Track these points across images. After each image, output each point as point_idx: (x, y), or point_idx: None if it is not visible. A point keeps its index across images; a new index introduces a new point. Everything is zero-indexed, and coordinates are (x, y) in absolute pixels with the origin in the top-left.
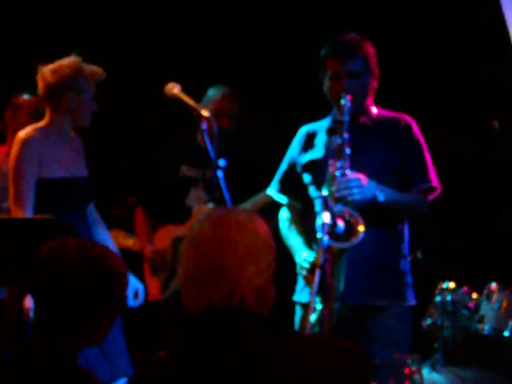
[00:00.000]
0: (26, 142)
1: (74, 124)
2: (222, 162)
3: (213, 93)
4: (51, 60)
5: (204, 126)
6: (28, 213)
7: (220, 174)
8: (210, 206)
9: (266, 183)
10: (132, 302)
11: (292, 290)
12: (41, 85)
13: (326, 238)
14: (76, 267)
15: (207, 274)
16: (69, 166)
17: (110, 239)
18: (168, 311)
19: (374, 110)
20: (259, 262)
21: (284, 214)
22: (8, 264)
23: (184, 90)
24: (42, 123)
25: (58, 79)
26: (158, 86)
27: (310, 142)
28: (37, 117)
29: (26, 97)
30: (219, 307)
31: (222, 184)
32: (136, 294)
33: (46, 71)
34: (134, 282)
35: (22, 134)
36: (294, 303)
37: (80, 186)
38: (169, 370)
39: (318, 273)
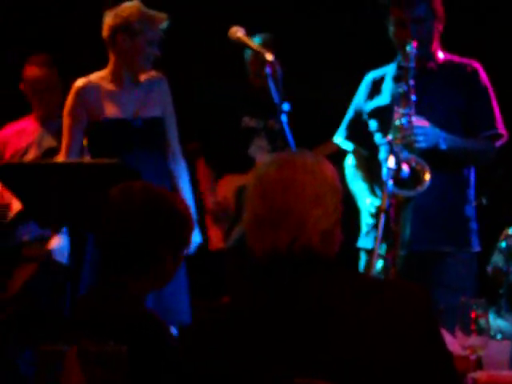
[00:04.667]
0: (77, 90)
1: (129, 69)
2: (285, 107)
3: (256, 42)
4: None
5: (268, 70)
6: (70, 156)
7: (284, 118)
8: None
9: (332, 130)
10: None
11: (356, 237)
12: (103, 29)
13: (390, 183)
14: (142, 210)
15: (273, 216)
16: (130, 108)
17: (186, 185)
18: (230, 260)
19: (441, 54)
20: (326, 205)
21: (350, 161)
22: (70, 208)
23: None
24: (104, 70)
25: (114, 21)
26: (220, 30)
27: (375, 88)
28: (48, 90)
29: (29, 68)
30: (285, 249)
31: (286, 128)
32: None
33: (108, 15)
34: (196, 237)
35: (78, 81)
36: (358, 250)
37: (145, 126)
38: (232, 315)
39: (382, 218)
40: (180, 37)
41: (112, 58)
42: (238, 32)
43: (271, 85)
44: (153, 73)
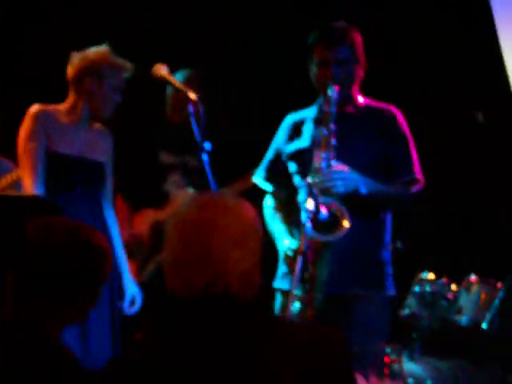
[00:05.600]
0: (35, 114)
1: (92, 112)
2: (207, 145)
3: (179, 76)
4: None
5: (191, 108)
6: (38, 187)
7: (205, 157)
8: (190, 190)
9: (251, 169)
10: (127, 310)
11: (273, 277)
12: (68, 69)
13: (308, 225)
14: (61, 244)
15: (192, 258)
16: (79, 146)
17: (120, 244)
18: (144, 294)
19: (361, 99)
20: (246, 247)
21: (269, 202)
22: None
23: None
24: (60, 105)
25: (82, 63)
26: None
27: (296, 130)
28: None
29: None
30: (203, 292)
31: (207, 167)
32: (133, 302)
33: (75, 56)
34: (132, 289)
35: (35, 106)
36: (273, 290)
37: (89, 167)
38: (146, 354)
39: (300, 260)
40: None
41: (73, 97)
42: (161, 69)
43: (193, 123)
44: (100, 125)
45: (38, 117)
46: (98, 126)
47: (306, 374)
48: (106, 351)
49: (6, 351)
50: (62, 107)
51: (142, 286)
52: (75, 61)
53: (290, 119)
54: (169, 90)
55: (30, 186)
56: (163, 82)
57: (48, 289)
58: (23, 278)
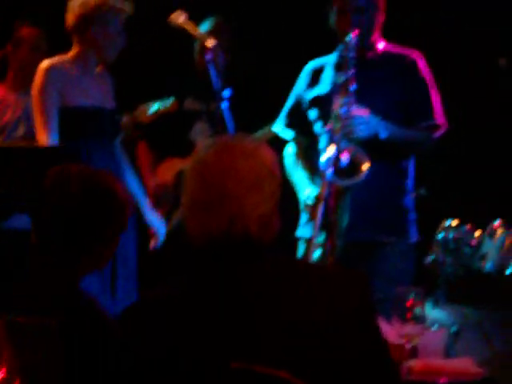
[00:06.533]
0: (48, 70)
1: (98, 58)
2: (226, 93)
3: (205, 26)
4: None
5: (209, 56)
6: (53, 139)
7: (225, 104)
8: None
9: (273, 117)
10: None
11: (296, 226)
12: (69, 17)
13: (329, 172)
14: (79, 192)
15: (210, 201)
16: (94, 95)
17: (133, 178)
18: (171, 243)
19: (381, 44)
20: (263, 190)
21: (290, 150)
22: (16, 192)
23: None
24: (67, 55)
25: (84, 11)
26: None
27: (316, 77)
28: (38, 51)
29: (26, 30)
30: (222, 235)
31: (227, 115)
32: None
33: (74, 4)
34: (154, 223)
35: (45, 62)
36: (297, 239)
37: (106, 116)
38: (168, 297)
39: (321, 207)
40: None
41: (78, 46)
42: (179, 17)
43: (212, 71)
44: (101, 68)
45: (48, 73)
46: (99, 69)
47: (328, 317)
48: (132, 295)
49: (27, 298)
50: (70, 57)
51: (170, 234)
52: (74, 9)
53: (310, 66)
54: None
55: (44, 140)
56: (181, 31)
57: (66, 236)
58: (42, 225)
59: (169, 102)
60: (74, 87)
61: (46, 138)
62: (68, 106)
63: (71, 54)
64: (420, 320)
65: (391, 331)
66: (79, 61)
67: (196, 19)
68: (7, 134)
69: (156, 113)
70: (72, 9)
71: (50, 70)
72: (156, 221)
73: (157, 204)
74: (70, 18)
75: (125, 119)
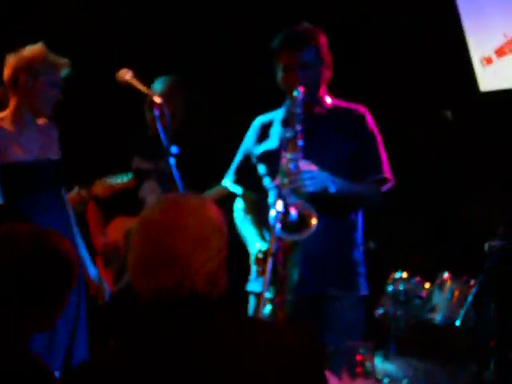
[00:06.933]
0: None
1: (31, 110)
2: (174, 149)
3: (159, 85)
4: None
5: (156, 112)
6: None
7: (172, 161)
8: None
9: (220, 173)
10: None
11: (246, 281)
12: (5, 71)
13: (278, 227)
14: (25, 254)
15: (157, 259)
16: (33, 149)
17: (75, 228)
18: (121, 303)
19: (328, 100)
20: (210, 247)
21: (239, 205)
22: None
23: (136, 76)
24: (4, 112)
25: (17, 62)
26: (108, 72)
27: (264, 132)
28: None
29: None
30: (169, 293)
31: (175, 172)
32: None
33: (10, 56)
34: (94, 275)
35: None
36: (247, 293)
37: (48, 168)
38: (114, 357)
39: (270, 261)
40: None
41: (13, 100)
42: (126, 74)
43: (159, 127)
44: (45, 119)
45: None
46: (41, 121)
47: (277, 371)
48: (77, 354)
49: None
50: (6, 114)
51: (119, 294)
52: (10, 61)
53: (258, 121)
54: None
55: None
56: (128, 87)
57: (14, 298)
58: None
59: (127, 177)
60: (12, 143)
61: None
62: (7, 163)
63: (8, 109)
64: (370, 375)
65: None
66: (15, 116)
67: (142, 76)
68: None
69: (113, 188)
70: (8, 62)
71: None
72: (97, 276)
73: (106, 263)
74: (6, 71)
75: (82, 192)
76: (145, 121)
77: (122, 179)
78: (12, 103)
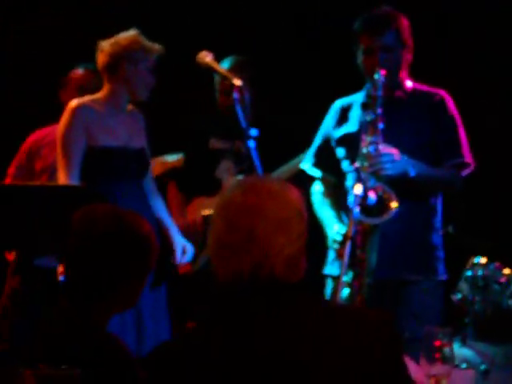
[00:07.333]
0: (74, 110)
1: (130, 96)
2: (253, 132)
3: (225, 65)
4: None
5: (236, 95)
6: (73, 179)
7: (252, 144)
8: (240, 177)
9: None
10: (181, 259)
11: (323, 263)
12: (99, 57)
13: (356, 210)
14: (106, 233)
15: (237, 243)
16: (122, 135)
17: (165, 212)
18: (198, 283)
19: (409, 83)
20: (290, 231)
21: (317, 188)
22: (38, 231)
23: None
24: (98, 94)
25: (116, 49)
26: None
27: (344, 116)
28: (84, 91)
29: (76, 71)
30: (248, 275)
31: (254, 154)
32: (184, 251)
33: (105, 43)
34: (180, 240)
35: (74, 101)
36: (324, 276)
37: (133, 156)
38: (193, 342)
39: (348, 245)
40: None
41: (110, 85)
42: (206, 57)
43: (238, 110)
44: (132, 107)
45: (76, 112)
46: (130, 108)
47: (356, 358)
48: (161, 336)
49: (54, 337)
50: (101, 96)
51: (197, 274)
52: (106, 48)
53: (338, 104)
54: (217, 78)
55: (63, 179)
56: (208, 70)
57: (94, 277)
58: (70, 266)
59: (177, 157)
60: (101, 127)
61: (66, 177)
62: (94, 146)
63: (102, 93)
64: (448, 360)
65: (419, 371)
66: (110, 100)
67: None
68: (49, 175)
69: (164, 165)
70: (103, 48)
71: (77, 110)
72: (182, 239)
73: None
74: (101, 57)
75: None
76: (216, 102)
77: (172, 158)
78: (108, 88)
